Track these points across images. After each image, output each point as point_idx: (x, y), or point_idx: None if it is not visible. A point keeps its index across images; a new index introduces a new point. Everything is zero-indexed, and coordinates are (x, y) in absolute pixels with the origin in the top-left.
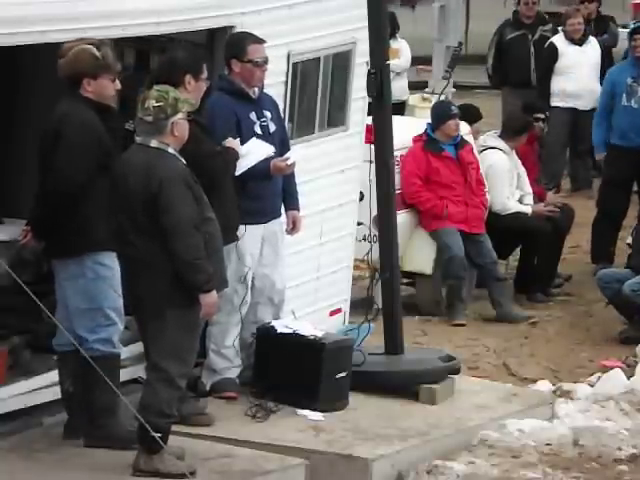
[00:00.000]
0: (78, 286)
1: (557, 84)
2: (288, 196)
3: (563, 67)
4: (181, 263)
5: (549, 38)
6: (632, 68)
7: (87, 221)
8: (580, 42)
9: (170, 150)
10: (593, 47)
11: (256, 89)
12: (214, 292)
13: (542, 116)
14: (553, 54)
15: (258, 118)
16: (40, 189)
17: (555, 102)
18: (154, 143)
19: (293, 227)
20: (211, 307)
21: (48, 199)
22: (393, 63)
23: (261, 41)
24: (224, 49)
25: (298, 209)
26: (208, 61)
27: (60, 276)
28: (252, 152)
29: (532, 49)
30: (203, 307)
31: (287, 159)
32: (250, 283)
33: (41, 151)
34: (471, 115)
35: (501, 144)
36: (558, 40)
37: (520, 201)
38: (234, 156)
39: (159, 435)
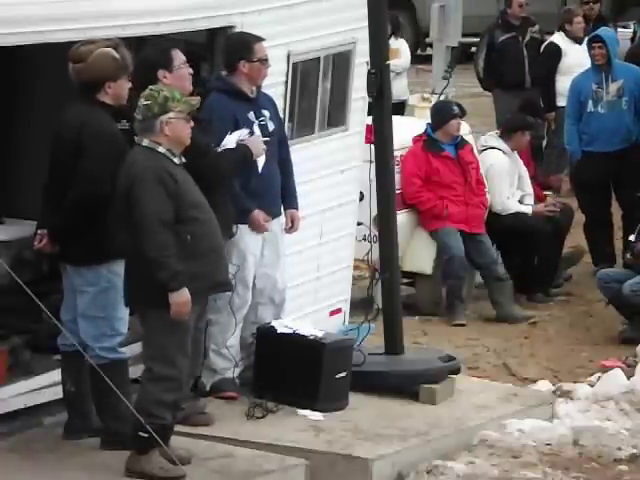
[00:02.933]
0: (90, 293)
1: (561, 84)
2: (287, 195)
3: (567, 67)
4: (147, 260)
5: (538, 39)
6: (595, 75)
7: (106, 229)
8: (581, 41)
9: (160, 149)
10: None
11: (254, 88)
12: (183, 291)
13: (539, 121)
14: (556, 54)
15: (256, 117)
16: (56, 195)
17: (560, 102)
18: (145, 142)
19: (291, 226)
20: (179, 307)
21: (73, 208)
22: (393, 63)
23: (262, 39)
24: (229, 52)
25: (297, 208)
26: (208, 60)
27: (73, 281)
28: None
29: (525, 51)
30: (171, 306)
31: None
32: (251, 283)
33: (58, 159)
34: None
35: (502, 144)
36: (559, 40)
37: (521, 201)
38: (233, 156)
39: (146, 436)
